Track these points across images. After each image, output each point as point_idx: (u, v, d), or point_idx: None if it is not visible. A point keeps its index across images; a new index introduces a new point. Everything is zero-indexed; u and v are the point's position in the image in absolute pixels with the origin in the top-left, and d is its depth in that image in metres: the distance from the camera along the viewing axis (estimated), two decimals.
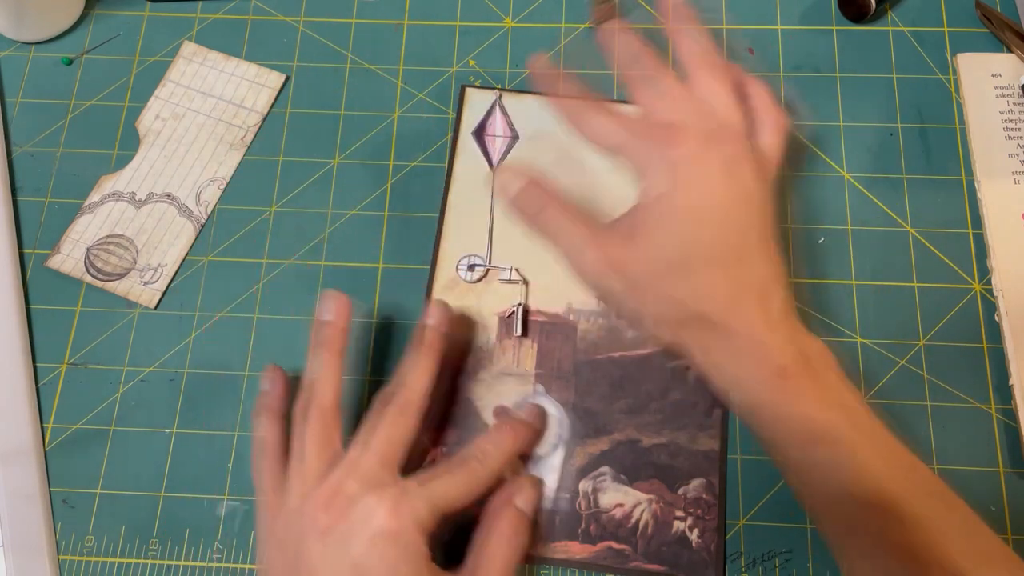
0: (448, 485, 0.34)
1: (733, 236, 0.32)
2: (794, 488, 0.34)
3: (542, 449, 0.40)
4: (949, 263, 0.43)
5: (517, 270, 0.43)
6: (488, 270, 0.44)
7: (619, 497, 0.40)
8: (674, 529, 0.39)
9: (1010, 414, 0.40)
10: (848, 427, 0.31)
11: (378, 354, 0.43)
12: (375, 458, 0.34)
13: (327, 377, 0.36)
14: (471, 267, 0.43)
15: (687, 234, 0.32)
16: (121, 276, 0.44)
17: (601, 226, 0.35)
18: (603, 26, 0.38)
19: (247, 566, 0.39)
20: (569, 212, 0.35)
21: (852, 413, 0.32)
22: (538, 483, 0.39)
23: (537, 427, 0.40)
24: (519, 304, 0.43)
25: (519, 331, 0.42)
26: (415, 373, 0.37)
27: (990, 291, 0.42)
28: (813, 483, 0.33)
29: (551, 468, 0.40)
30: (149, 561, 0.40)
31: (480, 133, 0.46)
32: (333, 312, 0.37)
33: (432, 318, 0.39)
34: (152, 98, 0.48)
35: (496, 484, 0.37)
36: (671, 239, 0.32)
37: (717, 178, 0.32)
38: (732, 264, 0.32)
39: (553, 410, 0.41)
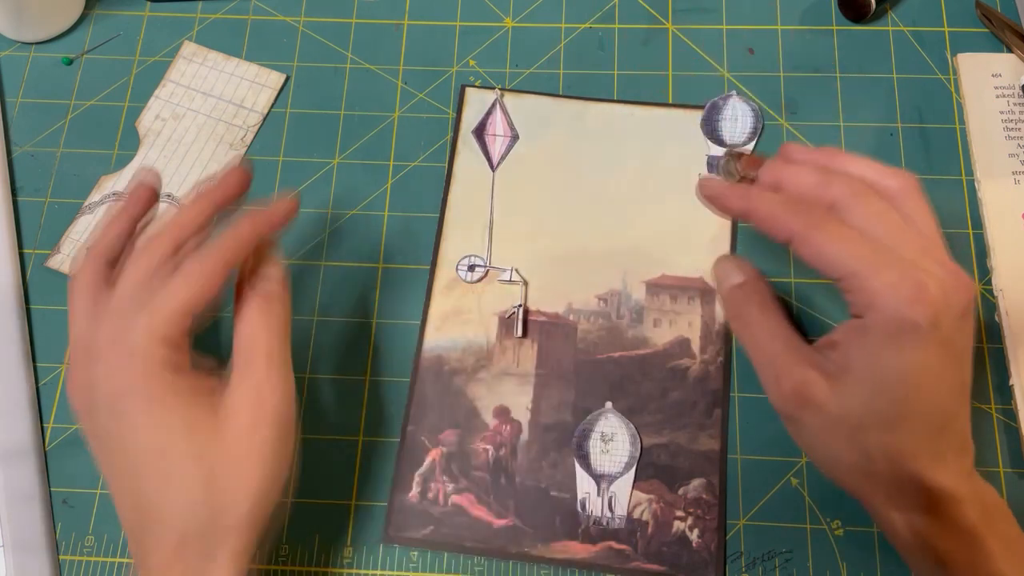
0: (168, 295, 0.32)
1: (947, 397, 0.31)
2: None
3: (615, 468, 0.40)
4: None
5: (517, 270, 0.43)
6: (488, 270, 0.44)
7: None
8: (674, 529, 0.39)
9: (1010, 414, 0.40)
10: None
11: (377, 354, 0.43)
12: (122, 300, 0.32)
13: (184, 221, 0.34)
14: (471, 267, 0.43)
15: (904, 392, 0.30)
16: None
17: (803, 352, 0.32)
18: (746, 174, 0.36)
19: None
20: (772, 328, 0.33)
21: None
22: (277, 265, 0.35)
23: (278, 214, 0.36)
24: (519, 305, 0.43)
25: (519, 332, 0.42)
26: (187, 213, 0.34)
27: (990, 291, 0.42)
28: None
29: (624, 484, 0.40)
30: None
31: (480, 133, 0.46)
32: (231, 181, 0.36)
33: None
34: (152, 98, 0.48)
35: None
36: (886, 394, 0.30)
37: (948, 343, 0.30)
38: (940, 424, 0.30)
39: (625, 429, 0.41)
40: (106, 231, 0.35)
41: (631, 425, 0.41)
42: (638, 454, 0.40)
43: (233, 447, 0.31)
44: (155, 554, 0.30)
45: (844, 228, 0.31)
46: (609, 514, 0.39)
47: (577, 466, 0.40)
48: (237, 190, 0.36)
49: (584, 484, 0.40)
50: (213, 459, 0.31)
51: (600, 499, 0.39)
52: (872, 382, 0.30)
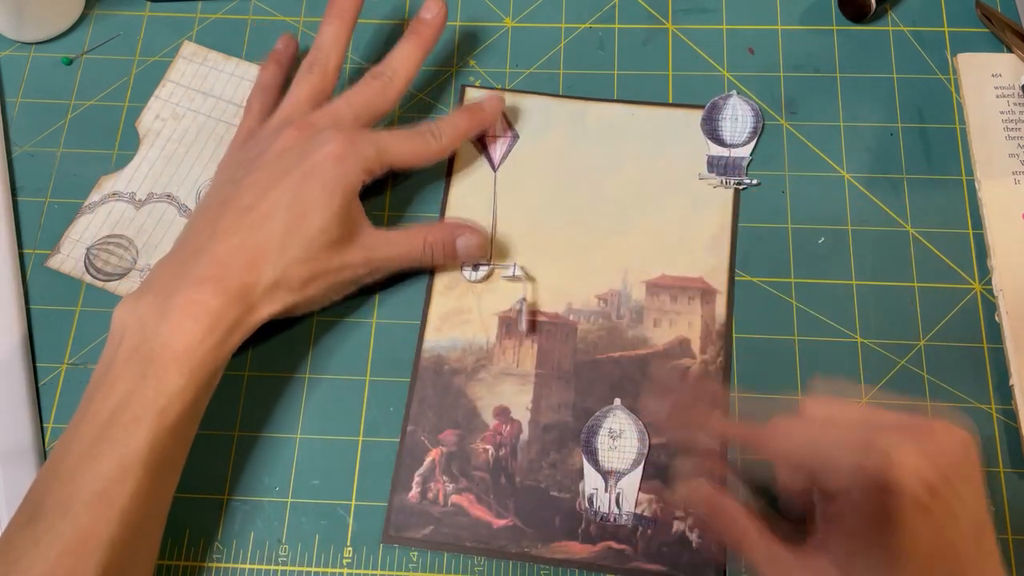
0: (400, 142, 0.41)
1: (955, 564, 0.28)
2: None
3: (623, 465, 0.40)
4: (949, 263, 0.43)
5: (521, 266, 0.43)
6: (492, 270, 0.44)
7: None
8: (674, 529, 0.39)
9: (1010, 414, 0.40)
10: None
11: (377, 354, 0.43)
12: (351, 111, 0.41)
13: (334, 43, 0.43)
14: (474, 267, 0.43)
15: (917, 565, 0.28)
16: (121, 276, 0.44)
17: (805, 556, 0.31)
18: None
19: (247, 566, 0.39)
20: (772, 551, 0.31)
21: None
22: (483, 245, 0.43)
23: (493, 111, 0.44)
24: (522, 299, 0.42)
25: (523, 327, 0.42)
26: (403, 58, 0.42)
27: (990, 291, 0.42)
28: None
29: (632, 481, 0.40)
30: None
31: (481, 132, 0.46)
32: None
33: (429, 12, 0.43)
34: (152, 98, 0.48)
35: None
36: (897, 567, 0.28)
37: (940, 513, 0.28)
38: None
39: (633, 425, 0.41)
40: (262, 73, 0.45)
41: (639, 421, 0.41)
42: (646, 451, 0.40)
43: (332, 258, 0.39)
44: (224, 280, 0.36)
45: (796, 424, 0.31)
46: (617, 510, 0.39)
47: (585, 462, 0.40)
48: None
49: (592, 480, 0.40)
50: (315, 252, 0.38)
51: (608, 495, 0.40)
52: (874, 560, 0.28)
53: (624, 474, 0.40)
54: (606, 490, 0.40)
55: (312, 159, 0.38)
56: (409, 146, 0.41)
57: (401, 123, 0.47)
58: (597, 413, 0.41)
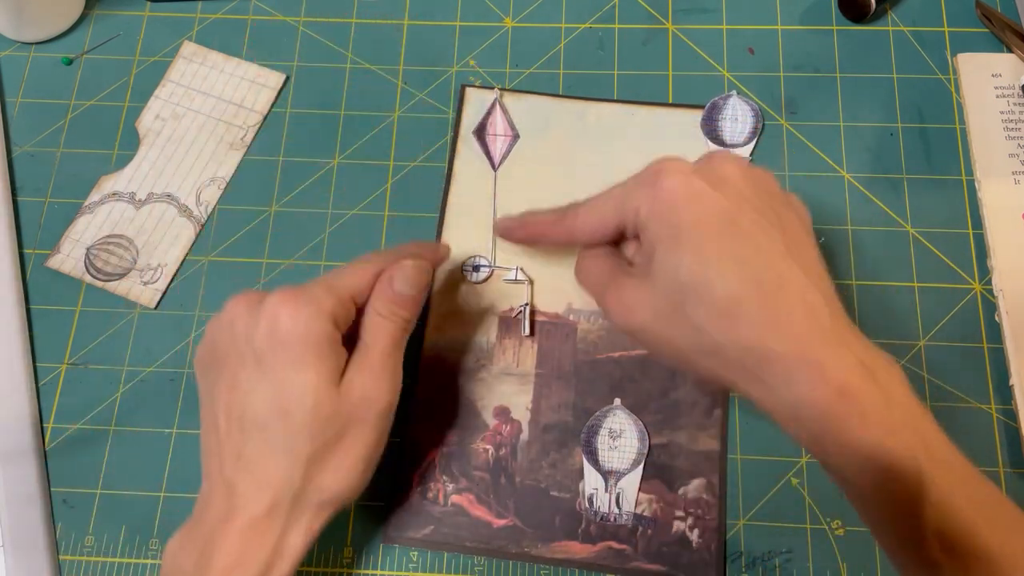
0: (343, 274, 0.35)
1: (759, 260, 0.30)
2: (868, 525, 0.31)
3: (623, 464, 0.40)
4: (949, 263, 0.43)
5: (522, 269, 0.43)
6: (493, 270, 0.44)
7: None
8: (674, 529, 0.39)
9: (1010, 414, 0.40)
10: (924, 456, 0.28)
11: None
12: (321, 283, 0.34)
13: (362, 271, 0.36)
14: (476, 268, 0.43)
15: (706, 266, 0.30)
16: (121, 276, 0.44)
17: (622, 268, 0.34)
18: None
19: None
20: (595, 255, 0.36)
21: (925, 438, 0.28)
22: (420, 267, 0.36)
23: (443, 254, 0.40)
24: (525, 305, 0.43)
25: (527, 331, 0.42)
26: (413, 269, 0.36)
27: (990, 291, 0.42)
28: (884, 521, 0.29)
29: (632, 481, 0.40)
30: (149, 561, 0.40)
31: (481, 132, 0.46)
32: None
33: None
34: (152, 98, 0.48)
35: None
36: (687, 272, 0.30)
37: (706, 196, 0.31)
38: (763, 289, 0.29)
39: (633, 426, 0.41)
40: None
41: (639, 422, 0.41)
42: (646, 451, 0.40)
43: (342, 434, 0.33)
44: (244, 510, 0.32)
45: (592, 199, 0.35)
46: (617, 510, 0.39)
47: (585, 462, 0.40)
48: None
49: (592, 480, 0.40)
50: (324, 438, 0.32)
51: (608, 495, 0.40)
52: (665, 262, 0.31)
53: (624, 474, 0.40)
54: (606, 490, 0.40)
55: (260, 333, 0.32)
56: (353, 274, 0.35)
57: (401, 124, 0.47)
58: (597, 413, 0.41)
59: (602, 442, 0.40)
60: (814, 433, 0.29)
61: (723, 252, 0.30)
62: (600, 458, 0.40)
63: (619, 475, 0.40)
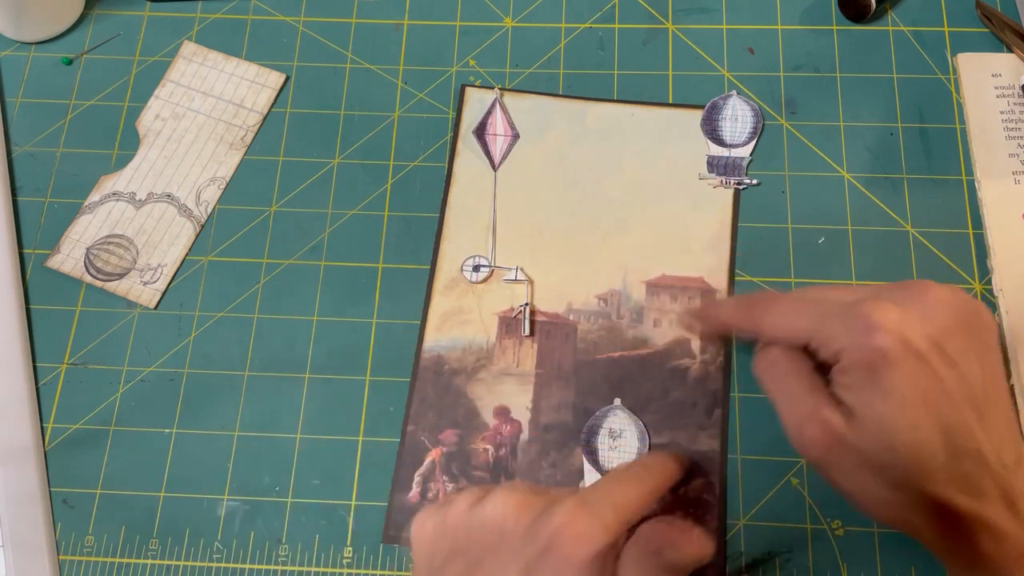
0: (626, 488, 0.31)
1: (949, 413, 0.29)
2: None
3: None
4: (949, 263, 0.43)
5: (522, 269, 0.43)
6: (493, 270, 0.44)
7: None
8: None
9: None
10: None
11: (377, 354, 0.43)
12: (606, 499, 0.30)
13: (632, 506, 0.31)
14: (476, 268, 0.43)
15: (899, 421, 0.29)
16: (121, 276, 0.44)
17: (823, 394, 0.31)
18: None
19: (247, 566, 0.39)
20: (794, 374, 0.32)
21: None
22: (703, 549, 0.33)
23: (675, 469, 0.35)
24: (526, 304, 0.43)
25: (527, 331, 0.42)
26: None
27: (990, 291, 0.42)
28: None
29: None
30: (149, 561, 0.40)
31: (481, 132, 0.46)
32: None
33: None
34: (152, 98, 0.48)
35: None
36: (885, 427, 0.29)
37: (929, 359, 0.29)
38: (951, 443, 0.29)
39: (633, 426, 0.41)
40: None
41: (640, 422, 0.41)
42: (647, 450, 0.40)
43: None
44: None
45: (787, 302, 0.32)
46: None
47: (585, 462, 0.40)
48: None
49: (592, 481, 0.40)
50: None
51: None
52: (872, 420, 0.29)
53: None
54: None
55: (538, 546, 0.28)
56: (633, 491, 0.31)
57: (401, 124, 0.47)
58: (597, 413, 0.41)
59: (602, 442, 0.40)
60: None
61: (932, 423, 0.29)
62: (600, 458, 0.40)
63: None
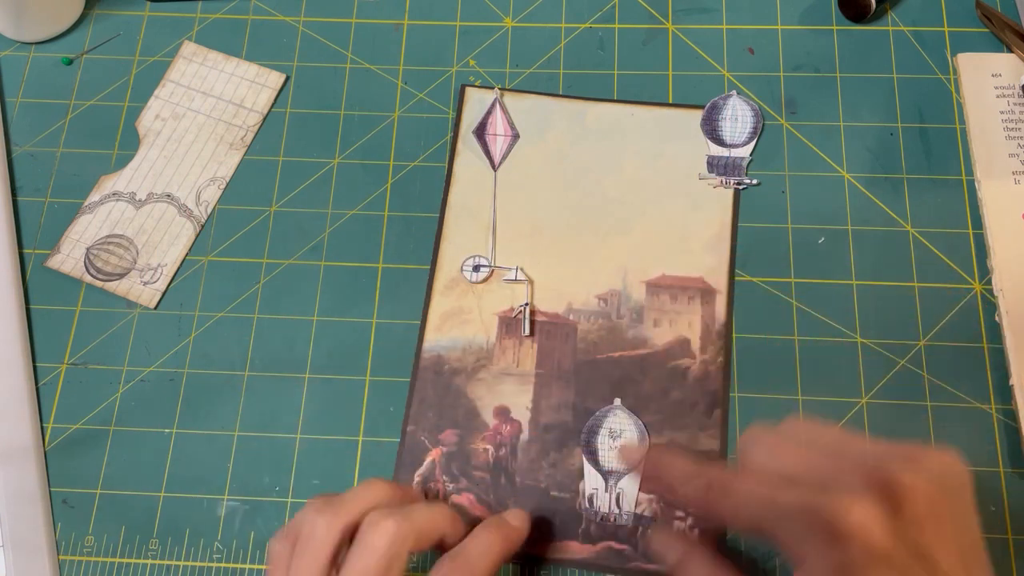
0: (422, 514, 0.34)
1: None
2: None
3: (623, 465, 0.40)
4: (949, 263, 0.43)
5: (522, 269, 0.43)
6: (493, 270, 0.44)
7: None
8: (674, 529, 0.39)
9: (1010, 414, 0.40)
10: None
11: (377, 354, 0.43)
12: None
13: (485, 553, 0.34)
14: (476, 268, 0.43)
15: None
16: (121, 276, 0.44)
17: None
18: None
19: (247, 566, 0.39)
20: None
21: None
22: (526, 517, 0.37)
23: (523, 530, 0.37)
24: (526, 304, 0.43)
25: (527, 331, 0.42)
26: (485, 550, 0.35)
27: (990, 291, 0.42)
28: None
29: (632, 481, 0.40)
30: (149, 561, 0.40)
31: (481, 132, 0.46)
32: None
33: (517, 519, 0.37)
34: (152, 98, 0.48)
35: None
36: None
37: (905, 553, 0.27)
38: None
39: (633, 425, 0.41)
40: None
41: (640, 421, 0.41)
42: (646, 450, 0.40)
43: None
44: None
45: (746, 488, 0.30)
46: (617, 510, 0.39)
47: (585, 462, 0.40)
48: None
49: (592, 480, 0.40)
50: None
51: (608, 495, 0.40)
52: None
53: (624, 474, 0.40)
54: (606, 490, 0.40)
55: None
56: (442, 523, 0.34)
57: (401, 124, 0.47)
58: (597, 413, 0.41)
59: (602, 442, 0.40)
60: None
61: None
62: (600, 458, 0.40)
63: (619, 475, 0.40)
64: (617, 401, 0.41)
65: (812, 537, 0.27)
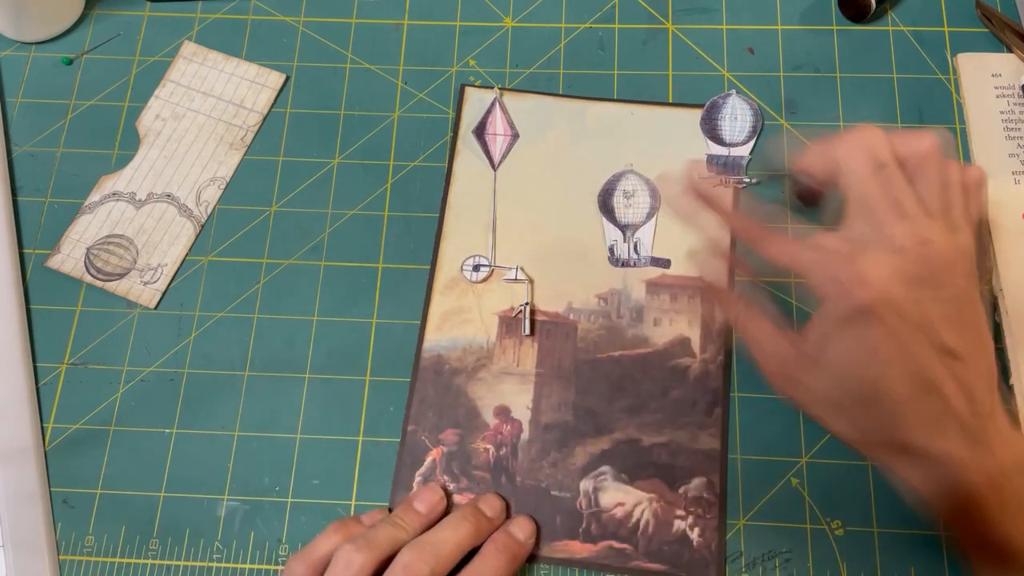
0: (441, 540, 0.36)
1: (920, 366, 0.30)
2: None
3: (638, 218, 0.44)
4: None
5: (522, 268, 0.43)
6: (493, 270, 0.44)
7: (620, 496, 0.40)
8: (675, 528, 0.39)
9: (1010, 414, 0.40)
10: None
11: (377, 354, 0.43)
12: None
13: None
14: (476, 267, 0.43)
15: (866, 371, 0.30)
16: (121, 276, 0.44)
17: (790, 339, 0.33)
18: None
19: (247, 566, 0.39)
20: (763, 323, 0.35)
21: None
22: (534, 523, 0.39)
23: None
24: (526, 304, 0.43)
25: (527, 330, 0.42)
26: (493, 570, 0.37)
27: (990, 291, 0.42)
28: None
29: (647, 231, 0.44)
30: (149, 561, 0.40)
31: (480, 132, 0.46)
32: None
33: (523, 532, 0.39)
34: (152, 98, 0.48)
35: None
36: (851, 374, 0.31)
37: (906, 315, 0.30)
38: (919, 392, 0.30)
39: (644, 185, 0.44)
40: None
41: (650, 182, 0.44)
42: (658, 205, 0.44)
43: None
44: None
45: (785, 241, 0.33)
46: (636, 256, 0.42)
47: (603, 220, 0.44)
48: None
49: (611, 234, 0.44)
50: None
51: (627, 244, 0.43)
52: (837, 365, 0.31)
53: (640, 226, 0.43)
54: (624, 240, 0.43)
55: None
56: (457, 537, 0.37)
57: (401, 124, 0.47)
58: (610, 177, 0.44)
59: (618, 201, 0.44)
60: (954, 519, 0.31)
61: (898, 375, 0.30)
62: (617, 215, 0.43)
63: (635, 227, 0.43)
64: (630, 164, 0.44)
65: (836, 287, 0.30)
